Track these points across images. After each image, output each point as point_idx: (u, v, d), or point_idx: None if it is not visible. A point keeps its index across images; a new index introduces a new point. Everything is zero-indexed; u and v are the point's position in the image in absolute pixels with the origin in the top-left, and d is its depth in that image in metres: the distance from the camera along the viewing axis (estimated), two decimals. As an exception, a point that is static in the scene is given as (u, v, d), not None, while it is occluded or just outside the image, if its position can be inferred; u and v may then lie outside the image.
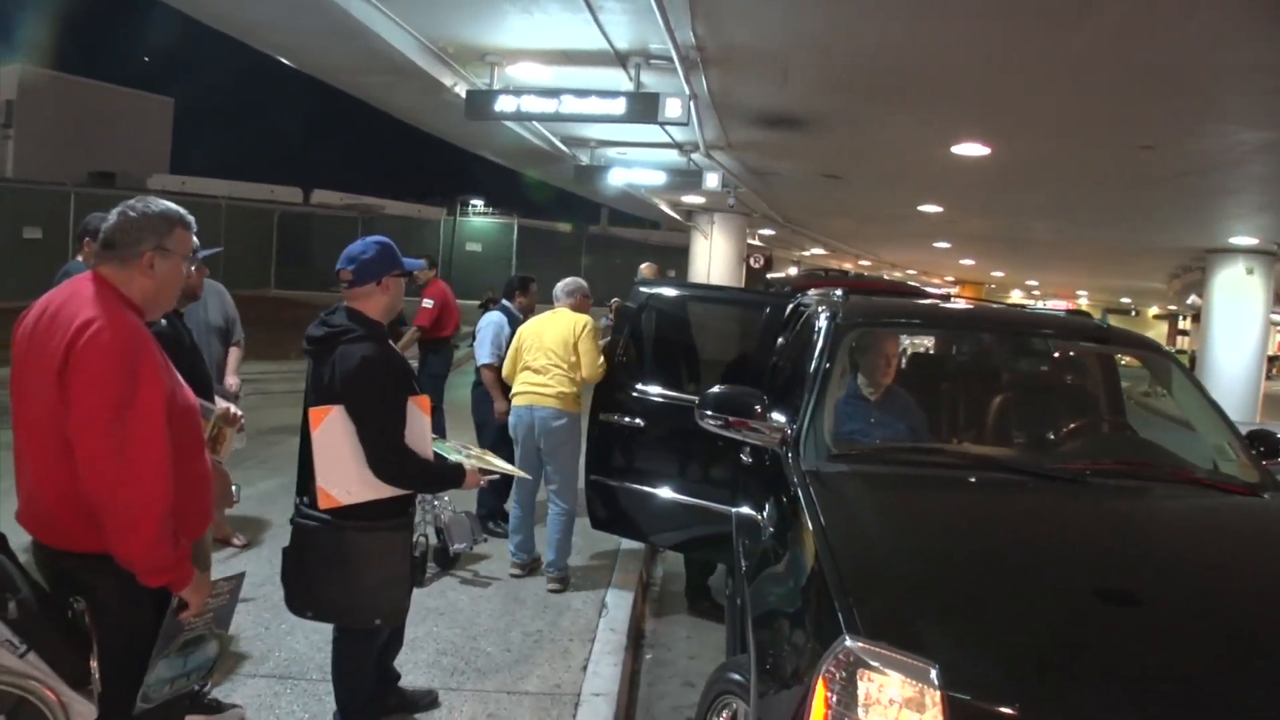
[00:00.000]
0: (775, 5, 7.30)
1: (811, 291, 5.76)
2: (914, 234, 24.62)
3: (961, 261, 35.07)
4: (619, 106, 9.01)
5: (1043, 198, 15.50)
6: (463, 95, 9.61)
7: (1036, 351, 5.44)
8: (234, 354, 6.45)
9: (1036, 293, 52.58)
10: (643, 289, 6.70)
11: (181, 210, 2.93)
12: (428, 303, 9.31)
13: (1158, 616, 2.74)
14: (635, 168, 14.97)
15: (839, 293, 4.95)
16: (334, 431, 3.59)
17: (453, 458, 4.13)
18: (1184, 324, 53.87)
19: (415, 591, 4.17)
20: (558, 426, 6.13)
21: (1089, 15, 6.61)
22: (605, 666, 5.01)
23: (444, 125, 13.84)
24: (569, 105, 9.27)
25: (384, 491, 3.66)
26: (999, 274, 42.63)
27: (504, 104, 9.32)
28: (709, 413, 4.08)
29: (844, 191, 17.10)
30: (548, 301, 6.59)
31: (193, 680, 2.98)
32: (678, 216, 22.98)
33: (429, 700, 4.44)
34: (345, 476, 3.60)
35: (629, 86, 9.01)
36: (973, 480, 3.79)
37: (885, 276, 37.35)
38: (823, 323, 4.43)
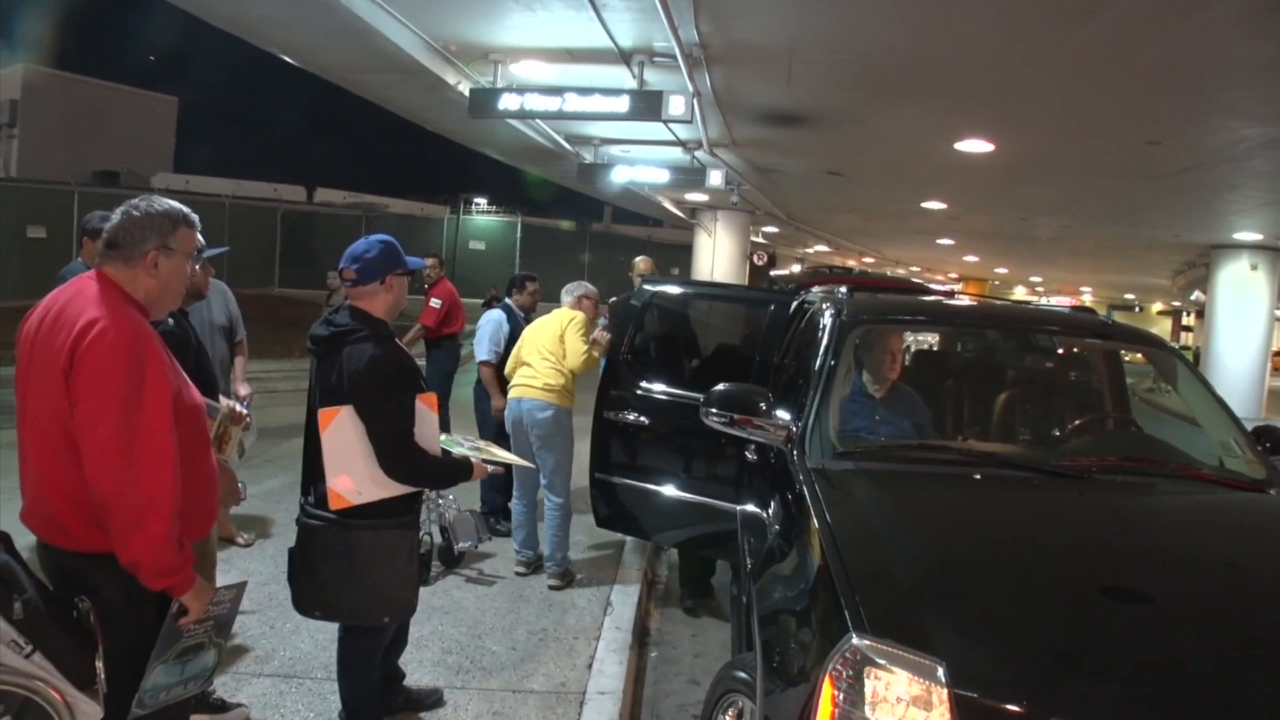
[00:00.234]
0: (779, 2, 7.30)
1: (815, 289, 5.75)
2: (918, 231, 24.60)
3: (965, 258, 35.04)
4: (622, 104, 9.00)
5: (1047, 194, 15.47)
6: (466, 93, 9.61)
7: (1041, 348, 5.44)
8: (240, 363, 6.47)
9: (1040, 289, 52.52)
10: (647, 286, 6.69)
11: (185, 209, 2.93)
12: (435, 302, 9.33)
13: (1165, 614, 2.74)
14: (638, 165, 14.96)
15: (843, 290, 4.94)
16: (343, 432, 3.59)
17: (456, 451, 4.13)
18: (1188, 320, 53.85)
19: (420, 590, 4.17)
20: (543, 418, 6.13)
21: (1096, 11, 6.60)
22: (610, 664, 5.01)
23: (447, 123, 13.82)
24: (572, 103, 9.26)
25: (394, 490, 3.66)
26: (1003, 270, 42.59)
27: (507, 102, 9.31)
28: (714, 410, 4.08)
29: (848, 189, 17.09)
30: (555, 300, 6.59)
31: (190, 689, 2.94)
32: (681, 214, 22.95)
33: (434, 699, 4.44)
34: (356, 477, 3.60)
35: (632, 84, 9.00)
36: (978, 477, 3.78)
37: (889, 273, 37.33)
38: (827, 320, 4.42)
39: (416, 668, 4.73)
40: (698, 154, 13.75)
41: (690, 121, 9.99)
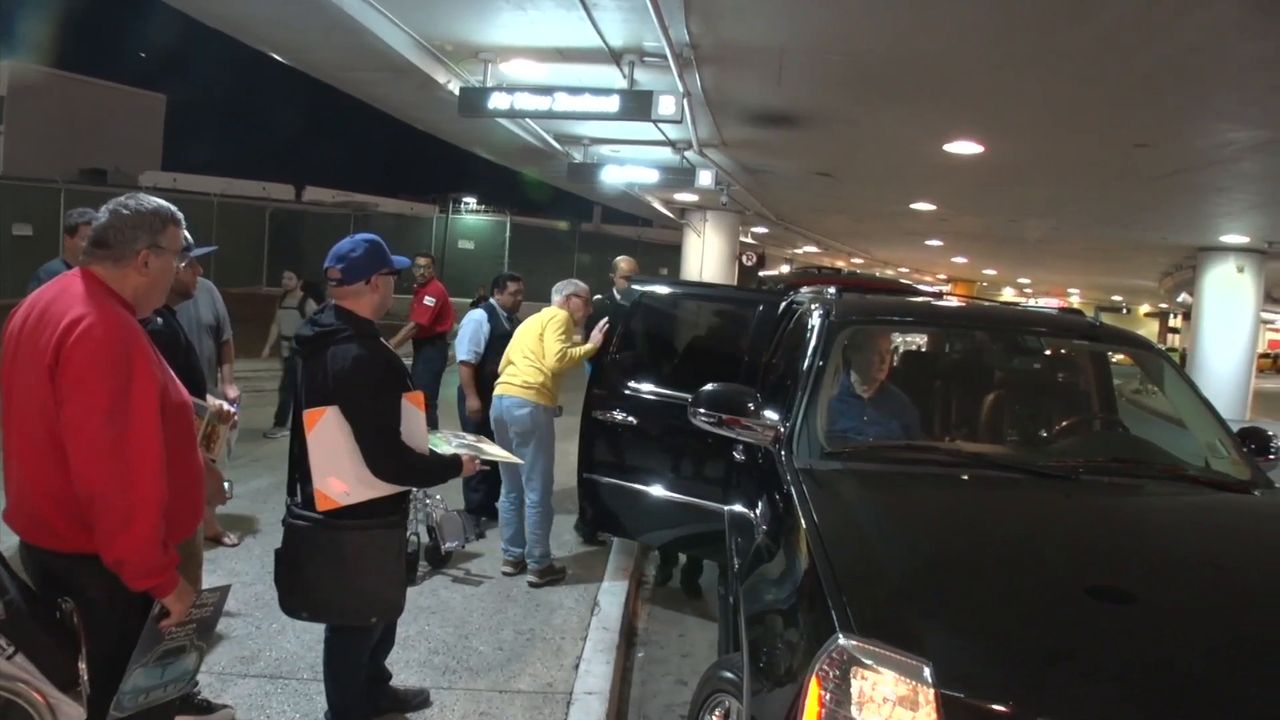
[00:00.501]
0: (770, 3, 7.30)
1: (804, 289, 5.76)
2: (907, 232, 24.63)
3: (954, 259, 35.09)
4: (612, 104, 8.99)
5: (1036, 196, 15.52)
6: (456, 92, 9.59)
7: (1029, 349, 5.46)
8: (226, 367, 6.46)
9: (1028, 291, 52.66)
10: (635, 286, 6.69)
11: (173, 207, 2.92)
12: (429, 300, 9.32)
13: (1151, 613, 2.74)
14: (628, 165, 14.95)
15: (832, 290, 4.94)
16: (329, 433, 3.57)
17: (444, 449, 4.10)
18: (1175, 322, 54.06)
19: (407, 590, 4.16)
20: (520, 414, 6.12)
21: (1086, 15, 6.62)
22: (597, 665, 5.00)
23: (437, 122, 13.80)
24: (562, 103, 9.25)
25: (382, 490, 3.64)
26: (991, 272, 42.70)
27: (497, 101, 9.30)
28: (702, 411, 4.08)
29: (837, 189, 17.11)
30: (545, 300, 6.57)
31: (170, 692, 2.91)
32: (671, 214, 22.94)
33: (421, 699, 4.43)
34: (343, 477, 3.58)
35: (623, 84, 8.99)
36: (966, 478, 3.78)
37: (878, 274, 37.39)
38: (816, 320, 4.43)
39: (403, 668, 4.71)
40: (687, 154, 13.75)
41: (680, 121, 9.98)
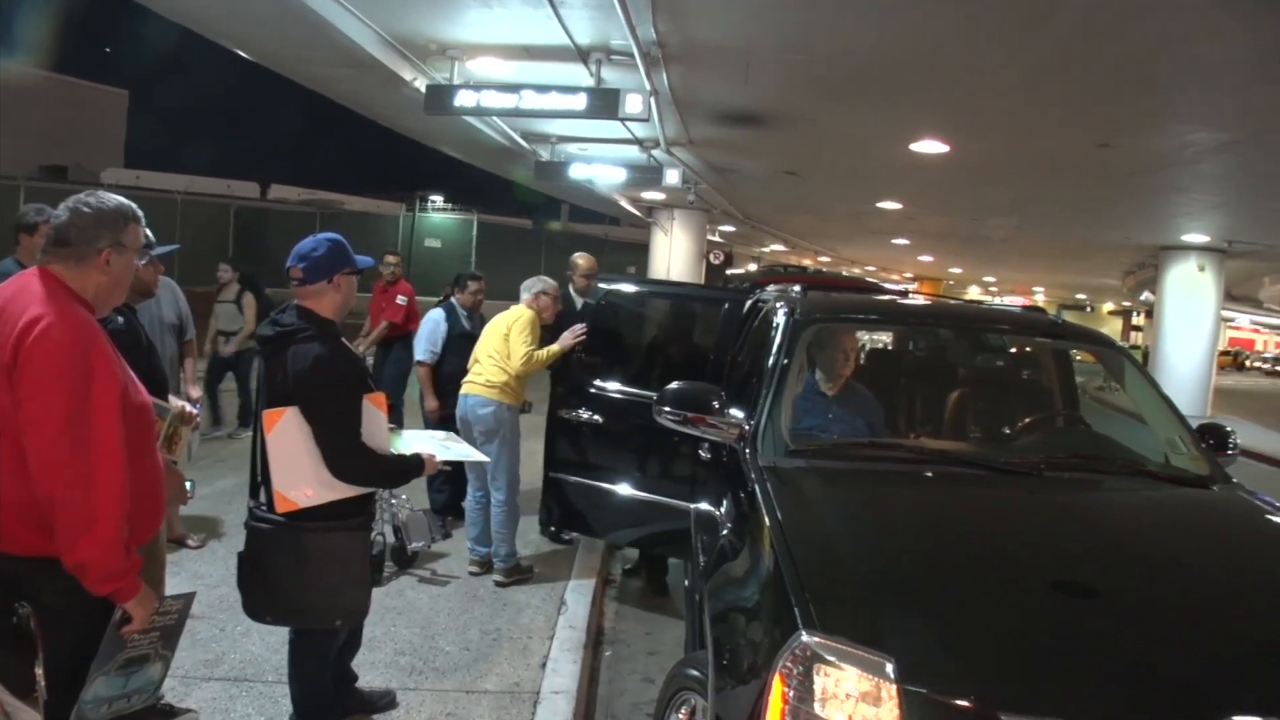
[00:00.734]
0: (738, 2, 7.32)
1: (770, 287, 5.77)
2: (873, 230, 24.79)
3: (920, 258, 35.38)
4: (579, 102, 8.99)
5: (1000, 195, 15.66)
6: (422, 90, 9.56)
7: (992, 347, 5.50)
8: (189, 365, 6.39)
9: (994, 289, 53.11)
10: (601, 285, 6.68)
11: (133, 205, 2.89)
12: (401, 299, 9.26)
13: (1113, 607, 2.76)
14: (596, 164, 14.96)
15: (797, 289, 4.96)
16: (289, 434, 3.53)
17: (416, 447, 4.05)
18: (1138, 320, 54.66)
19: (373, 591, 4.13)
20: (483, 413, 6.10)
21: (1050, 16, 6.68)
22: (564, 664, 5.00)
23: (403, 120, 13.76)
24: (529, 101, 9.24)
25: (343, 492, 3.60)
26: (957, 270, 43.05)
27: (464, 99, 9.28)
28: (667, 409, 4.08)
29: (804, 188, 17.19)
30: (512, 298, 6.53)
31: (134, 703, 2.84)
32: (638, 213, 22.99)
33: (387, 701, 4.40)
34: (302, 479, 3.54)
35: (590, 82, 9.00)
36: (929, 475, 3.80)
37: (844, 273, 37.59)
38: (781, 318, 4.44)
39: (369, 669, 4.68)
40: (655, 153, 13.77)
41: (647, 120, 10.00)
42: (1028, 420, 4.81)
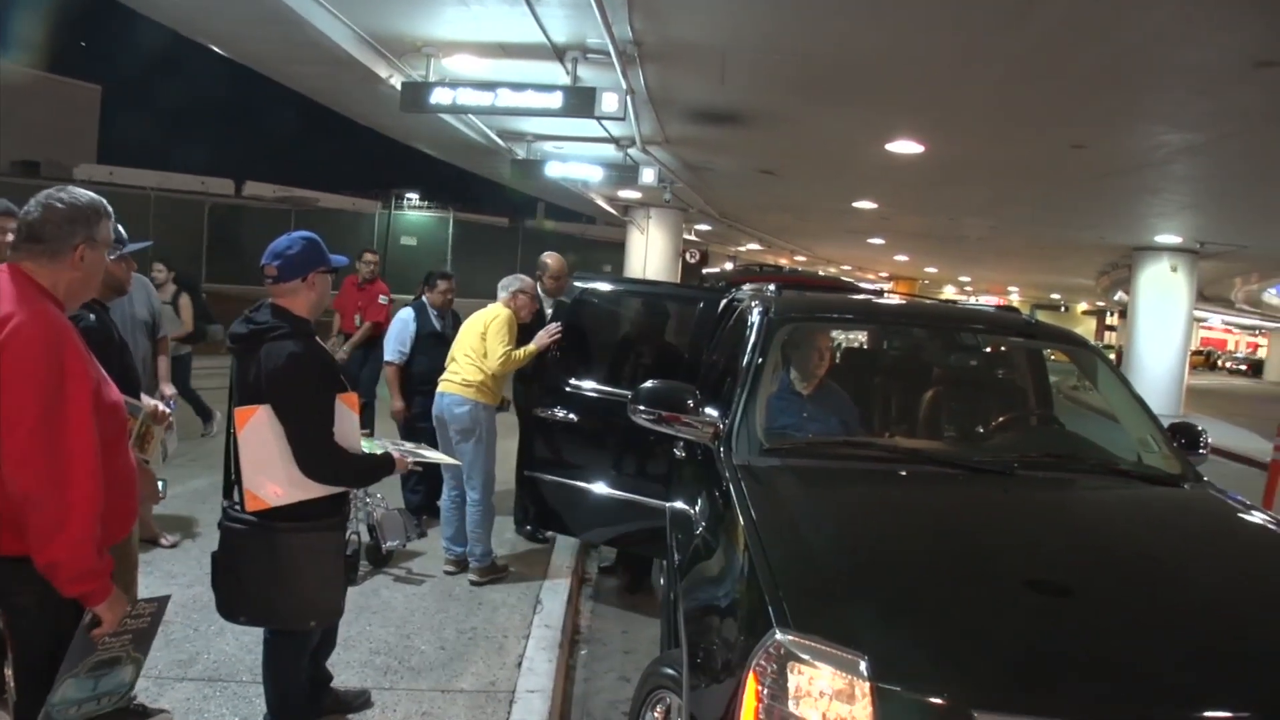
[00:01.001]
0: (714, 1, 7.33)
1: (746, 286, 5.78)
2: (849, 230, 24.88)
3: (896, 257, 35.54)
4: (555, 100, 8.99)
5: (975, 195, 15.75)
6: (398, 87, 9.53)
7: (967, 346, 5.53)
8: (163, 363, 6.33)
9: (969, 289, 53.35)
10: (577, 284, 6.67)
11: (103, 200, 2.87)
12: (384, 298, 9.19)
13: (1086, 605, 2.78)
14: (572, 162, 14.95)
15: (772, 288, 4.97)
16: (261, 432, 3.51)
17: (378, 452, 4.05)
18: (1112, 320, 55.03)
19: (348, 590, 4.11)
20: (459, 412, 6.08)
21: (1026, 16, 6.72)
22: (540, 663, 4.99)
23: (379, 117, 13.72)
24: (505, 99, 9.23)
25: (313, 492, 3.58)
26: (932, 270, 43.25)
27: (440, 96, 9.26)
28: (642, 407, 4.08)
29: (780, 187, 17.23)
30: (491, 296, 6.50)
31: (103, 705, 2.82)
32: (614, 211, 22.99)
33: (362, 700, 4.38)
34: (273, 478, 3.52)
35: (566, 80, 8.99)
36: (903, 473, 3.82)
37: (820, 272, 37.71)
38: (756, 318, 4.45)
39: (344, 669, 4.67)
40: (631, 151, 13.77)
41: (623, 119, 10.01)
42: (1002, 419, 4.84)
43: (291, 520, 3.56)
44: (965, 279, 48.51)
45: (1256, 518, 3.66)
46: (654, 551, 6.18)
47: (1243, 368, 63.53)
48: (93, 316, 3.93)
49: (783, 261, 39.85)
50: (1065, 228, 19.18)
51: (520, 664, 4.97)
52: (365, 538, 6.14)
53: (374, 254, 9.78)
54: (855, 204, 18.51)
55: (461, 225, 39.71)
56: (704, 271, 26.10)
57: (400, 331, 7.18)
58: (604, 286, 7.15)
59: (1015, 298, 54.12)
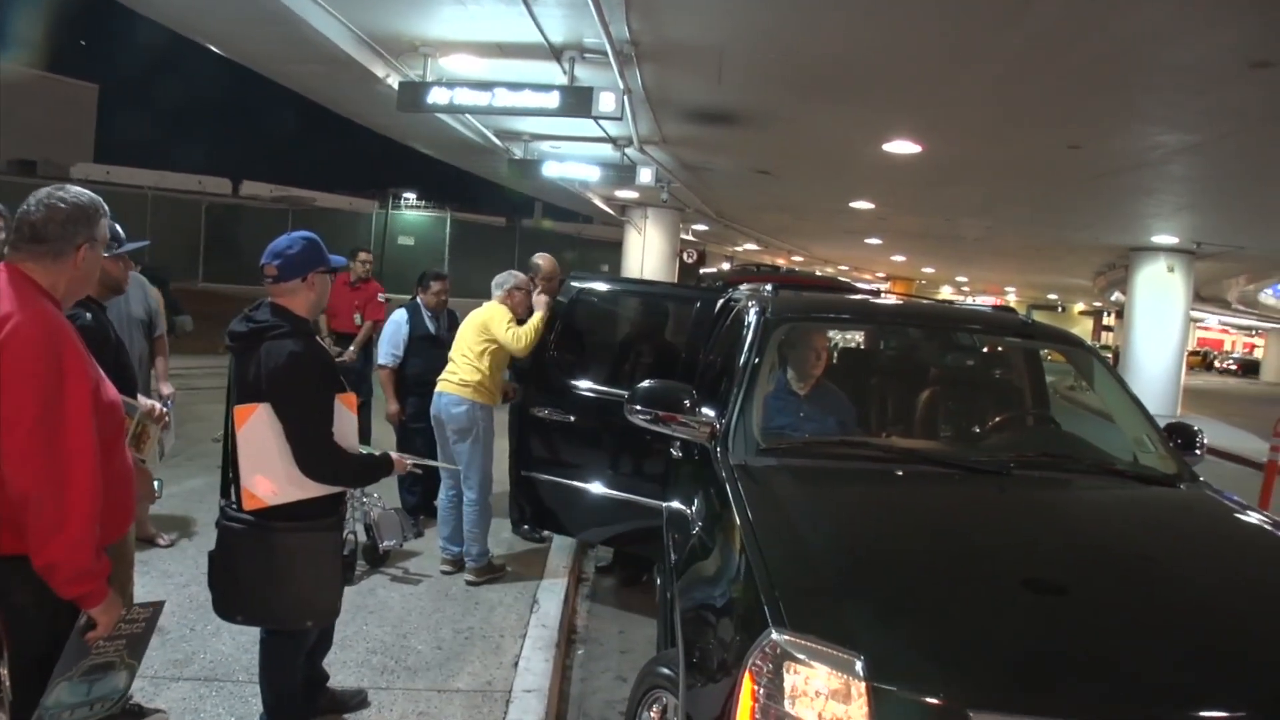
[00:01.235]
0: (711, 1, 7.34)
1: (743, 286, 5.79)
2: (846, 230, 24.88)
3: (893, 258, 35.55)
4: (552, 100, 8.99)
5: (972, 195, 15.75)
6: (395, 86, 9.53)
7: (963, 347, 5.53)
8: (161, 363, 6.32)
9: (966, 289, 53.38)
10: (573, 283, 6.66)
11: (100, 198, 2.87)
12: (383, 297, 9.18)
13: (1082, 605, 2.79)
14: (569, 162, 14.94)
15: (768, 288, 4.98)
16: (260, 430, 3.52)
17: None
18: (1109, 320, 55.05)
19: (345, 590, 4.11)
20: (456, 412, 6.08)
21: (1025, 16, 6.72)
22: (537, 662, 4.99)
23: (376, 117, 13.71)
24: (502, 98, 9.23)
25: (310, 491, 3.59)
26: (929, 270, 43.25)
27: (437, 96, 9.26)
28: (638, 407, 4.08)
29: (777, 187, 17.24)
30: (489, 296, 6.48)
31: (96, 711, 2.81)
32: (611, 211, 22.99)
33: (358, 700, 4.38)
34: (271, 476, 3.53)
35: (563, 80, 8.99)
36: (900, 473, 3.83)
37: (817, 272, 37.72)
38: (752, 318, 4.46)
39: (341, 669, 4.67)
40: (628, 151, 13.78)
41: (620, 118, 10.01)
42: (998, 419, 4.85)
43: (289, 520, 3.56)
44: (962, 279, 48.53)
45: (1252, 518, 3.67)
46: (651, 551, 6.18)
47: (1232, 367, 62.63)
48: (89, 315, 3.93)
49: (780, 261, 39.86)
50: (1062, 228, 19.20)
51: (517, 664, 4.97)
52: (362, 537, 6.13)
53: (368, 253, 9.77)
54: (852, 204, 18.52)
55: (459, 225, 39.72)
56: (701, 271, 26.11)
57: (393, 334, 7.13)
58: (601, 286, 7.14)
59: (1012, 298, 54.15)
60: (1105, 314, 56.21)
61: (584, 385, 6.27)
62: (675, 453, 4.89)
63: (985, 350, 5.79)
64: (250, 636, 4.38)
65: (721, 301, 5.89)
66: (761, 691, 2.38)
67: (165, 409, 4.00)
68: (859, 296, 6.24)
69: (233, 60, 10.48)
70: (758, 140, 12.81)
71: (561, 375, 6.33)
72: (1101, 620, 2.66)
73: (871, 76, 8.97)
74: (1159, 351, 20.41)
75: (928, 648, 2.46)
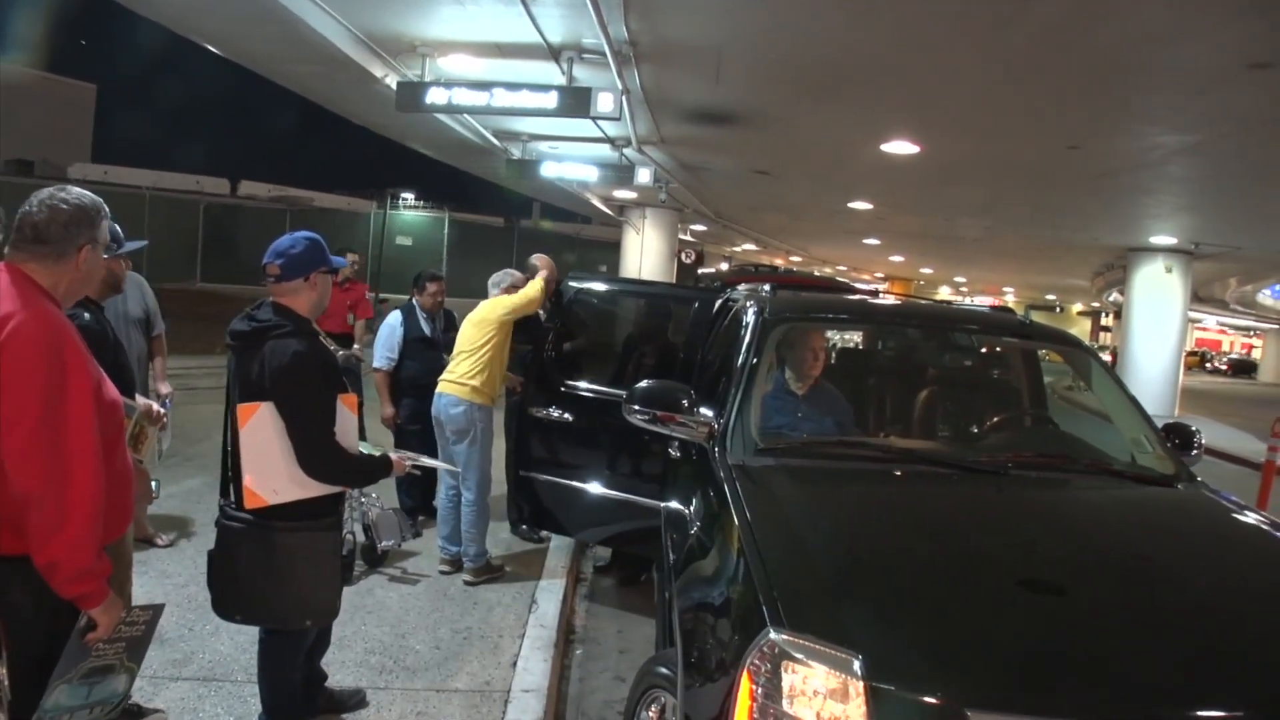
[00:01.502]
0: (709, 2, 7.34)
1: (740, 286, 5.79)
2: (845, 230, 24.89)
3: (891, 258, 35.56)
4: (551, 100, 8.99)
5: (971, 195, 15.76)
6: (393, 86, 9.53)
7: (961, 347, 5.53)
8: (159, 362, 6.32)
9: (965, 289, 53.40)
10: (572, 284, 6.66)
11: (101, 199, 2.87)
12: (370, 295, 9.20)
13: (1080, 605, 2.78)
14: (567, 162, 14.94)
15: (767, 288, 4.98)
16: (263, 429, 3.51)
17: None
18: (1107, 320, 55.07)
19: (343, 590, 4.11)
20: (455, 413, 6.08)
21: (1024, 16, 6.73)
22: (535, 662, 4.99)
23: (374, 117, 13.71)
24: (500, 98, 9.23)
25: (312, 490, 3.59)
26: (928, 270, 43.26)
27: (435, 96, 9.26)
28: (637, 407, 4.08)
29: (775, 188, 17.24)
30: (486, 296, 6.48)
31: (95, 715, 2.80)
32: (609, 211, 22.99)
33: (357, 700, 4.38)
34: (274, 475, 3.52)
35: (561, 80, 9.00)
36: (898, 473, 3.83)
37: (815, 272, 37.73)
38: (750, 318, 4.46)
39: (339, 668, 4.67)
40: (626, 151, 13.78)
41: (619, 119, 10.01)
42: (995, 419, 4.85)
43: (288, 519, 3.56)
44: (961, 279, 48.56)
45: (1250, 518, 3.67)
46: (649, 551, 6.18)
47: (1223, 367, 61.42)
48: (88, 316, 3.93)
49: (778, 262, 39.86)
50: (1060, 228, 19.22)
51: (515, 664, 4.97)
52: (361, 538, 6.13)
53: (355, 254, 9.76)
54: (851, 204, 18.53)
55: (457, 225, 39.71)
56: (699, 271, 26.12)
57: (388, 337, 7.08)
58: (599, 286, 7.15)
59: (1011, 298, 54.20)
60: (1103, 314, 56.24)
61: (582, 385, 6.27)
62: (673, 453, 4.89)
63: (983, 350, 5.79)
64: (249, 636, 4.38)
65: (720, 302, 5.89)
66: (760, 691, 2.38)
67: (163, 410, 4.00)
68: (857, 297, 6.23)
69: (231, 60, 10.48)
70: (756, 140, 12.82)
71: (560, 375, 6.33)
72: (1099, 620, 2.66)
73: (870, 77, 8.98)
74: (1157, 352, 20.43)
75: (926, 647, 2.46)
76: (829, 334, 5.75)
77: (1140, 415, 4.37)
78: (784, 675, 2.36)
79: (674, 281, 20.83)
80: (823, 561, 2.84)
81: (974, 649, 2.47)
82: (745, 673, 2.41)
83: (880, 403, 4.99)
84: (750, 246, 35.50)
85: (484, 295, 6.46)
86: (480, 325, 6.13)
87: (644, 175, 14.40)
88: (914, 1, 6.89)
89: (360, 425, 3.83)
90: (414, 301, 7.28)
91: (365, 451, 3.94)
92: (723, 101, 10.51)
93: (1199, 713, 2.36)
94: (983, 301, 50.48)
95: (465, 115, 11.77)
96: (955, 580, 2.84)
